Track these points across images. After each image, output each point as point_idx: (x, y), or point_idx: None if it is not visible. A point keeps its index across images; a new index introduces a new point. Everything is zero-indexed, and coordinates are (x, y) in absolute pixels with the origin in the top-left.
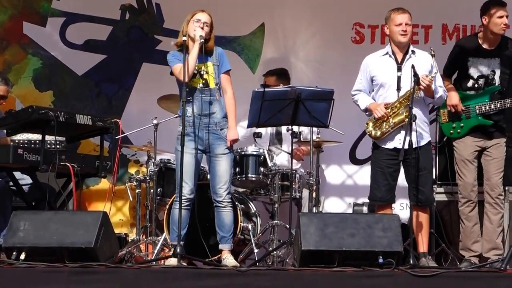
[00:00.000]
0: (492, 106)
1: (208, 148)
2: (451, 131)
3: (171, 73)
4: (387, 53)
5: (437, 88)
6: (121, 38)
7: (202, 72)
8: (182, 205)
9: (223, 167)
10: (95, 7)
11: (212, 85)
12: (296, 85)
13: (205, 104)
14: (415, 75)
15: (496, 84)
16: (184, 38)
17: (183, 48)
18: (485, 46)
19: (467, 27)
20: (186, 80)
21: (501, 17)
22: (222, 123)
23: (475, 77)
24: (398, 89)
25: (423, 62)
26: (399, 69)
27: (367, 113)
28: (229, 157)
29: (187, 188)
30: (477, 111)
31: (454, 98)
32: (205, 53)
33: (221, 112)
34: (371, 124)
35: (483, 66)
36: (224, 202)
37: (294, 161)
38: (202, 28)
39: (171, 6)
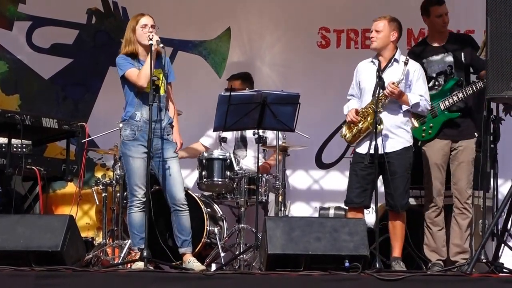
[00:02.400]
0: (455, 98)
1: (156, 153)
2: (423, 134)
3: (122, 77)
4: (372, 59)
5: (411, 96)
6: (88, 42)
7: (154, 78)
8: (138, 208)
9: (175, 169)
10: (61, 11)
11: (162, 92)
12: (262, 89)
13: (155, 110)
14: (380, 79)
15: (453, 77)
16: (152, 42)
17: (150, 53)
18: (435, 44)
19: None
20: (146, 85)
21: (439, 16)
22: (168, 129)
23: (434, 75)
24: (374, 95)
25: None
26: (379, 76)
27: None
28: (177, 160)
29: (141, 191)
30: (442, 107)
31: None
32: (156, 58)
33: (167, 119)
34: (345, 127)
35: (438, 63)
36: (181, 205)
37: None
38: (154, 33)
39: (137, 10)
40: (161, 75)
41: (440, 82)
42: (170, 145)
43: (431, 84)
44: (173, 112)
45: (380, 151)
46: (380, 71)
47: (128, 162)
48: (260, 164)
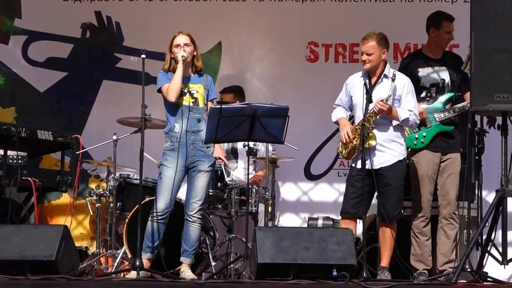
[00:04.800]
0: (452, 112)
1: (192, 164)
2: (415, 142)
3: (159, 91)
4: (362, 75)
5: (400, 112)
6: (82, 56)
7: (192, 91)
8: (155, 218)
9: (202, 183)
10: (56, 26)
11: (201, 104)
12: (252, 101)
13: (193, 121)
14: (367, 92)
15: (446, 91)
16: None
17: (177, 70)
18: (431, 56)
19: (417, 46)
20: (173, 99)
21: (448, 32)
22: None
23: (428, 86)
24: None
25: (396, 86)
26: (367, 91)
27: (338, 125)
28: (209, 175)
29: (163, 202)
30: (437, 119)
31: (418, 106)
32: (194, 72)
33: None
34: (340, 144)
35: (433, 75)
36: (194, 217)
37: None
38: (184, 50)
39: (130, 25)
40: (201, 89)
41: (432, 93)
42: (206, 159)
43: (423, 94)
44: None
45: (374, 166)
46: (369, 89)
47: (162, 170)
48: (250, 176)
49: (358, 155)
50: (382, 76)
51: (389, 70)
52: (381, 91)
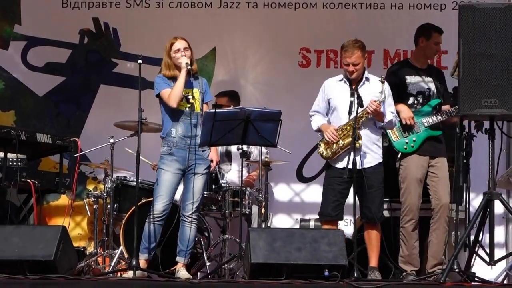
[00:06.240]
0: (439, 117)
1: (189, 167)
2: (405, 147)
3: (157, 95)
4: (342, 78)
5: (386, 113)
6: (80, 61)
7: (188, 97)
8: (152, 219)
9: (198, 185)
10: (55, 32)
11: (198, 109)
12: (246, 106)
13: (190, 127)
14: (358, 97)
15: (432, 99)
16: (182, 66)
17: (180, 76)
18: (417, 65)
19: (407, 52)
20: (175, 105)
21: (437, 43)
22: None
23: (415, 93)
24: (350, 113)
25: (376, 88)
26: (352, 94)
27: (319, 133)
28: (205, 177)
29: (161, 204)
30: (425, 124)
31: (407, 110)
32: (191, 76)
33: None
34: (323, 145)
35: (420, 83)
36: (189, 217)
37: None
38: (185, 55)
39: (127, 31)
40: (197, 94)
41: (419, 100)
42: (203, 162)
43: (411, 101)
44: None
45: (358, 167)
46: (357, 90)
47: (159, 174)
48: (244, 178)
49: (339, 156)
50: (364, 79)
51: (367, 73)
52: (365, 94)
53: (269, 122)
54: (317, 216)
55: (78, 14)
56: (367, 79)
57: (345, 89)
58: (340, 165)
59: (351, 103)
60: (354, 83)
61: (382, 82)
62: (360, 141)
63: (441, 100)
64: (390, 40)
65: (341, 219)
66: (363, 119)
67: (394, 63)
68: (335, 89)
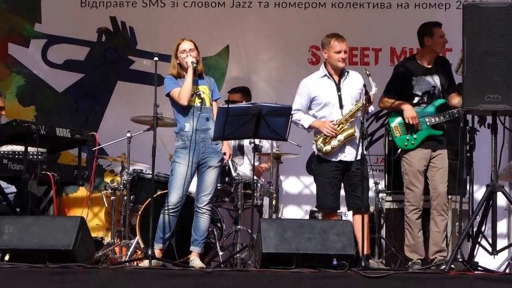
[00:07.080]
0: (442, 117)
1: (202, 160)
2: (406, 143)
3: (167, 95)
4: (325, 75)
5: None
6: (98, 59)
7: (199, 93)
8: (167, 211)
9: (211, 178)
10: (74, 30)
11: (208, 104)
12: (258, 101)
13: (202, 120)
14: (366, 93)
15: (438, 97)
16: (189, 66)
17: (187, 75)
18: (424, 64)
19: (413, 50)
20: (186, 103)
21: (441, 36)
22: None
23: (420, 94)
24: (341, 106)
25: (357, 81)
26: (339, 89)
27: (310, 130)
28: (218, 170)
29: (175, 196)
30: (428, 123)
31: (411, 110)
32: (197, 76)
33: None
34: (320, 140)
35: (426, 83)
36: (203, 209)
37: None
38: (191, 55)
39: (143, 30)
40: (206, 90)
41: (424, 100)
42: (216, 155)
43: (416, 101)
44: None
45: (351, 158)
46: (365, 86)
47: (174, 167)
48: None
49: (336, 150)
50: (346, 73)
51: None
52: (349, 87)
53: (280, 117)
54: None
55: (96, 14)
56: (348, 72)
57: (331, 85)
58: (336, 158)
59: (340, 97)
60: (336, 76)
61: (368, 75)
62: (356, 133)
63: (445, 101)
64: (397, 38)
65: (339, 209)
66: (358, 113)
67: (400, 61)
68: (319, 86)
